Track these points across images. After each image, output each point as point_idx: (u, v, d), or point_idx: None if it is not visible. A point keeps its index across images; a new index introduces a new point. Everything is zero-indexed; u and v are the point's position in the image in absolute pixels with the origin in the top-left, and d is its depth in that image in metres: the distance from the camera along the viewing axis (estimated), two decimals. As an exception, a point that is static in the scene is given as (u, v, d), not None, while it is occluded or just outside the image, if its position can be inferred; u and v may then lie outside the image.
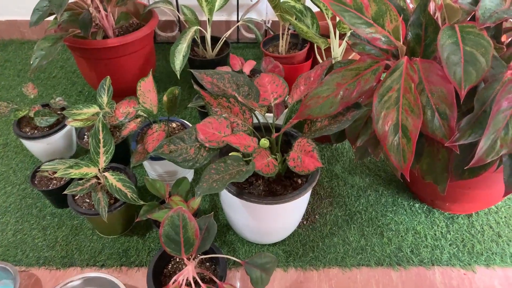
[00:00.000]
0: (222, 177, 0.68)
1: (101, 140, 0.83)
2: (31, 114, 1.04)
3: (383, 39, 0.64)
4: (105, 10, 1.17)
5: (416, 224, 0.97)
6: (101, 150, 0.83)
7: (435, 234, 0.95)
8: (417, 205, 1.02)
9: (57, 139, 1.06)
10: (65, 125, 1.06)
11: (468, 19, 0.71)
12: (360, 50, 0.73)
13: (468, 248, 0.92)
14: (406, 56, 0.65)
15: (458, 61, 0.59)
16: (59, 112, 1.09)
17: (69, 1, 1.15)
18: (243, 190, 0.80)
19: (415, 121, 0.59)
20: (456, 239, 0.94)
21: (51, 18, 1.18)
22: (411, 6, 0.85)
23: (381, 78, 0.67)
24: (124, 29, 1.31)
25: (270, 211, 0.80)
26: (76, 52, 1.20)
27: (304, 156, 0.72)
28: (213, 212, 0.71)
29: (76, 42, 1.13)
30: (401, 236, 0.94)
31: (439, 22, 0.73)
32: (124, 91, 1.28)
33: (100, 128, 0.83)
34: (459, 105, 0.62)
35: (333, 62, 0.80)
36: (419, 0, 0.71)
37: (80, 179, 0.86)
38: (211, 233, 0.67)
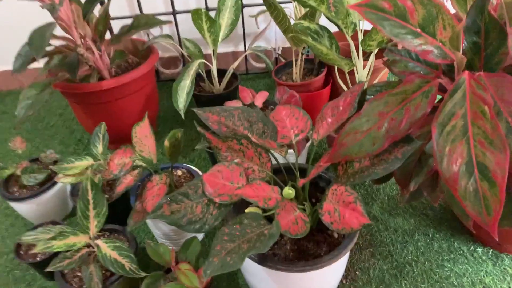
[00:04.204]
0: (238, 245, 0.52)
1: (91, 202, 0.69)
2: (18, 172, 0.91)
3: (435, 51, 0.49)
4: (99, 49, 1.06)
5: (484, 275, 0.78)
6: (91, 213, 0.69)
7: (509, 287, 0.75)
8: (479, 249, 0.83)
9: (48, 199, 0.92)
10: (56, 182, 0.92)
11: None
12: (402, 69, 0.58)
13: (557, 305, 0.72)
14: (467, 71, 0.50)
15: (545, 71, 0.44)
16: (50, 167, 0.96)
17: (59, 44, 1.05)
18: (266, 252, 0.64)
19: (498, 157, 0.43)
20: (539, 294, 0.74)
21: (41, 65, 1.07)
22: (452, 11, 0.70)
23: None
24: (122, 69, 1.20)
25: (303, 279, 0.63)
26: (70, 98, 1.09)
27: (343, 209, 0.56)
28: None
29: (67, 87, 1.01)
30: (468, 293, 0.76)
31: (500, 25, 0.58)
32: (126, 137, 1.15)
33: (89, 187, 0.69)
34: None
35: (365, 87, 0.65)
36: (471, 1, 0.57)
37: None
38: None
